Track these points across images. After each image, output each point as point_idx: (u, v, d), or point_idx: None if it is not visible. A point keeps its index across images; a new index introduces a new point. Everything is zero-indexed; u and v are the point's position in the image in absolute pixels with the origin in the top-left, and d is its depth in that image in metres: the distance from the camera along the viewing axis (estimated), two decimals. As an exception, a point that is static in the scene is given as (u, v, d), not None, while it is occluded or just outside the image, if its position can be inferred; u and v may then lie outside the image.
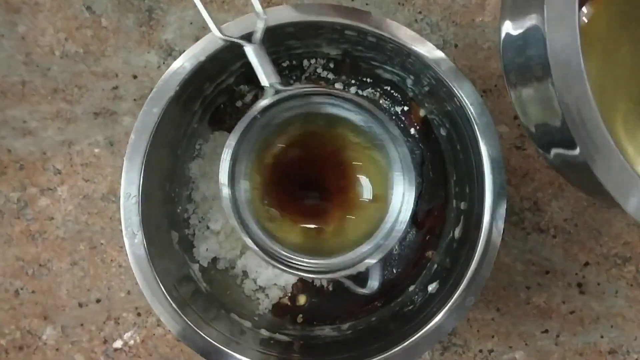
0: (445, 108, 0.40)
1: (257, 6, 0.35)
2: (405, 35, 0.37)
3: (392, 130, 0.35)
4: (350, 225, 0.39)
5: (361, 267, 0.36)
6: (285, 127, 0.38)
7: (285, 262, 0.36)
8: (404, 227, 0.36)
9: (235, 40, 0.35)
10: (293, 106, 0.36)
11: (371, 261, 0.36)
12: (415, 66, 0.38)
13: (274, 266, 0.35)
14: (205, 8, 0.45)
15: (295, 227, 0.39)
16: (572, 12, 0.26)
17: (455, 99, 0.37)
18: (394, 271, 0.43)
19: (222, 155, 0.35)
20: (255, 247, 0.35)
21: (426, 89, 0.40)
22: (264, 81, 0.35)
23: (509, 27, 0.30)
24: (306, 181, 0.40)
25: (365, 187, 0.39)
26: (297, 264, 0.36)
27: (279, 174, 0.38)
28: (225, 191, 0.35)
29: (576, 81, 0.26)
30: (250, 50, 0.35)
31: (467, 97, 0.36)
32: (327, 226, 0.39)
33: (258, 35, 0.35)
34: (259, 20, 0.35)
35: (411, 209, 0.36)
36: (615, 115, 0.35)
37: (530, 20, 0.28)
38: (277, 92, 0.35)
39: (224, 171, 0.35)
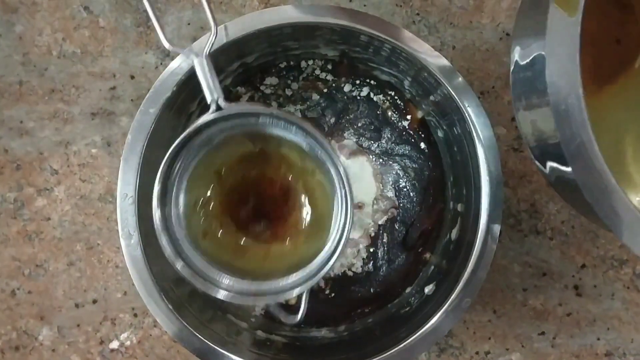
0: (440, 109, 0.40)
1: (209, 15, 0.34)
2: (403, 37, 0.36)
3: (334, 157, 0.34)
4: (287, 250, 0.37)
5: (290, 295, 0.34)
6: (229, 146, 0.36)
7: (213, 282, 0.34)
8: (337, 256, 0.34)
9: (181, 51, 0.34)
10: (237, 124, 0.35)
11: (301, 289, 0.34)
12: (416, 70, 0.38)
13: (197, 286, 0.34)
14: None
15: (230, 246, 0.37)
16: (574, 45, 0.27)
17: (452, 100, 0.37)
18: (389, 275, 0.43)
19: (160, 168, 0.33)
20: (183, 268, 0.34)
21: (432, 97, 0.40)
22: (207, 96, 0.33)
23: (518, 54, 0.30)
24: (249, 202, 0.38)
25: (308, 214, 0.37)
26: (225, 285, 0.34)
27: (221, 192, 0.37)
28: (157, 209, 0.33)
29: (575, 111, 0.27)
30: (196, 63, 0.33)
31: (464, 99, 0.36)
32: (264, 249, 0.37)
33: (206, 47, 0.34)
34: (211, 31, 0.34)
35: (346, 240, 0.34)
36: (625, 140, 0.36)
37: (538, 50, 0.28)
38: (218, 108, 0.33)
39: (156, 186, 0.33)
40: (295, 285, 0.34)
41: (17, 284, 0.45)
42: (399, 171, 0.43)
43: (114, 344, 0.45)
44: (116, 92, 0.45)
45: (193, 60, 0.33)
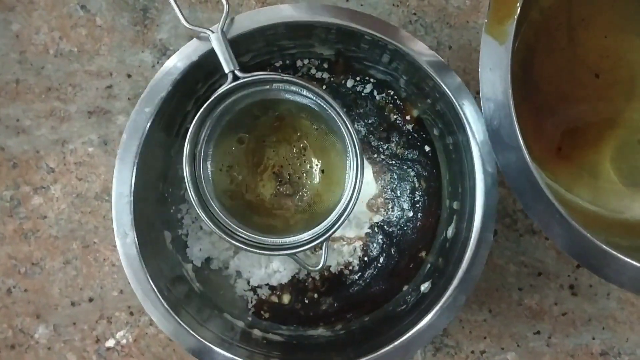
0: (436, 108, 0.40)
1: None
2: (400, 36, 0.37)
3: (342, 113, 0.37)
4: (306, 207, 0.42)
5: (311, 247, 0.38)
6: (249, 113, 0.40)
7: (241, 239, 0.38)
8: (353, 207, 0.38)
9: (198, 29, 0.36)
10: (253, 93, 0.38)
11: (322, 240, 0.38)
12: (412, 69, 0.38)
13: (226, 240, 0.38)
14: (202, 7, 0.45)
15: (254, 205, 0.42)
16: (505, 71, 0.30)
17: (448, 99, 0.37)
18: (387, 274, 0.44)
19: (188, 134, 0.37)
20: (209, 222, 0.37)
21: (428, 97, 0.40)
22: (225, 68, 0.36)
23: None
24: (269, 165, 0.42)
25: (323, 172, 0.42)
26: (253, 241, 0.38)
27: (243, 156, 0.41)
28: (186, 170, 0.37)
29: (506, 125, 0.31)
30: (213, 38, 0.36)
31: (460, 99, 0.36)
32: (286, 207, 0.42)
33: (220, 23, 0.36)
34: (225, 8, 0.36)
35: (360, 190, 0.37)
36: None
37: None
38: (236, 78, 0.36)
39: (185, 153, 0.37)
40: (315, 238, 0.38)
41: (13, 282, 0.45)
42: (415, 180, 0.43)
43: (110, 343, 0.45)
44: (113, 91, 0.45)
45: (209, 36, 0.36)
